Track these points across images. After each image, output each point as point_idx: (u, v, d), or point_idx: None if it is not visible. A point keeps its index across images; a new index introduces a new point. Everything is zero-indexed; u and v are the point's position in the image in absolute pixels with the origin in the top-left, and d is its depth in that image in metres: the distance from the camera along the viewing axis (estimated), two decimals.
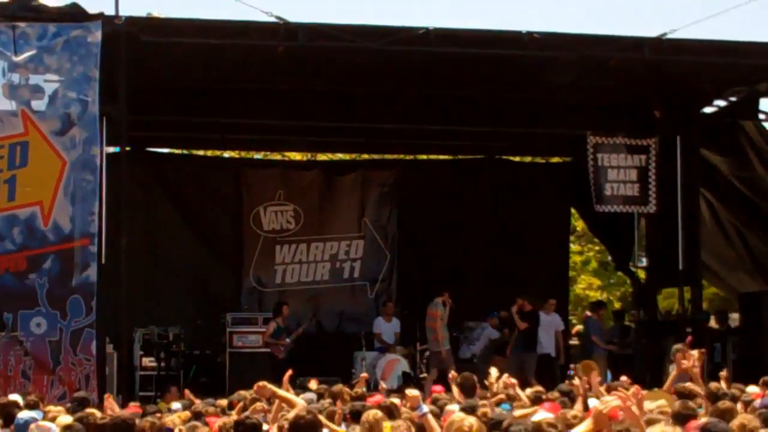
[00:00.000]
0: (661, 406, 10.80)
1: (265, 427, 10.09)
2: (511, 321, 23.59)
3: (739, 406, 11.81)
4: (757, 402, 12.48)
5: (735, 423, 9.16)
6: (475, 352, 24.13)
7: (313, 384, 15.92)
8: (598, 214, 24.42)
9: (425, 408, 10.01)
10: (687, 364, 14.95)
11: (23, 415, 11.46)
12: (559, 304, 26.82)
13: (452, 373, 16.24)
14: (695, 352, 15.84)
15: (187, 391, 16.46)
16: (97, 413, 11.15)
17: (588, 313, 26.51)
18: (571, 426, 8.88)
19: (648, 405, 10.96)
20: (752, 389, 14.51)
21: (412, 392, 10.99)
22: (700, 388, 13.70)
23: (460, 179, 27.88)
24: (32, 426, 10.29)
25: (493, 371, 15.58)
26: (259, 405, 11.22)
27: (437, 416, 10.62)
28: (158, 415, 11.70)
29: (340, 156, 30.44)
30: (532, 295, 25.44)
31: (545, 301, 24.07)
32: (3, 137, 18.25)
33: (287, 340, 22.83)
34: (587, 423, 7.30)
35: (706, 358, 20.12)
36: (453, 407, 12.34)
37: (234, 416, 11.05)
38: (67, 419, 10.90)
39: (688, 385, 13.94)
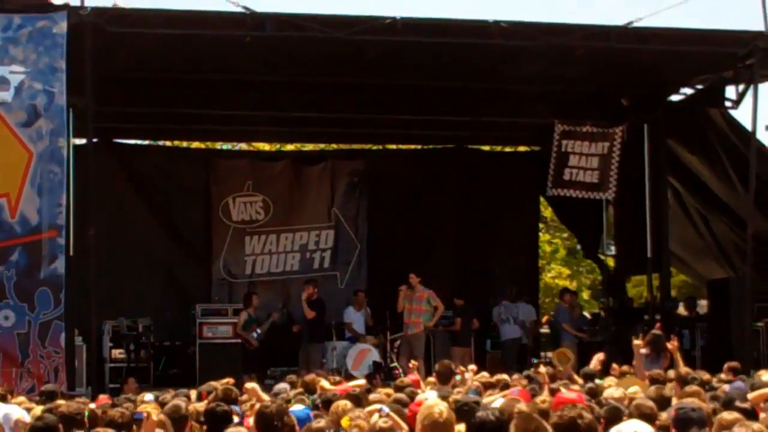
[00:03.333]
0: (634, 393, 10.85)
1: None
2: (463, 310, 23.70)
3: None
4: (726, 387, 12.60)
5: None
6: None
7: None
8: (567, 202, 24.52)
9: (386, 408, 10.04)
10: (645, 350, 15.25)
11: None
12: (529, 293, 27.05)
13: (412, 362, 16.39)
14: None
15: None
16: (64, 404, 11.09)
17: (557, 302, 26.64)
18: (543, 411, 8.95)
19: (614, 392, 11.05)
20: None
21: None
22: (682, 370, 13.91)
23: (429, 168, 27.91)
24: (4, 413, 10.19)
25: (471, 367, 15.78)
26: None
27: (406, 404, 10.63)
28: (126, 405, 11.63)
29: (308, 146, 30.42)
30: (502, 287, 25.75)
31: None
32: None
33: (258, 330, 22.81)
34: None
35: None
36: (423, 396, 12.39)
37: (203, 405, 11.02)
38: (38, 411, 10.84)
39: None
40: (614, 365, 16.52)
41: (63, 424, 8.87)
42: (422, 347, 22.38)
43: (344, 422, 8.07)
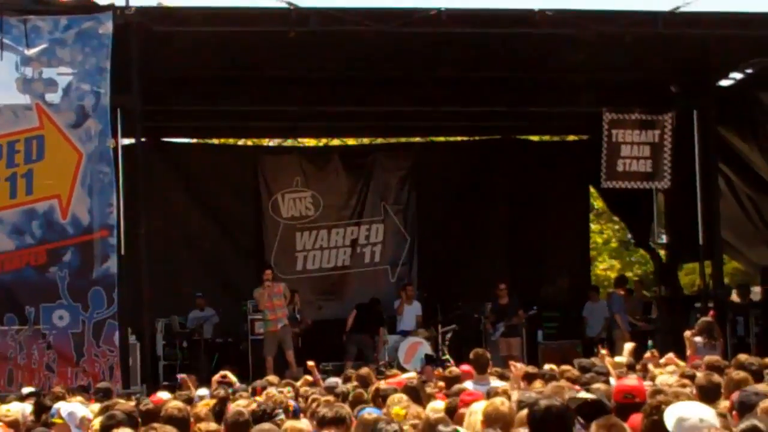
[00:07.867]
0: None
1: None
2: (514, 302, 23.61)
3: None
4: None
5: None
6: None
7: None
8: (617, 192, 24.36)
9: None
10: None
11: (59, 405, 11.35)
12: (581, 285, 26.87)
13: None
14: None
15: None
16: (123, 402, 11.14)
17: (611, 290, 26.44)
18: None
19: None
20: None
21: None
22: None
23: (477, 160, 27.80)
24: (62, 409, 10.19)
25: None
26: None
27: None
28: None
29: (352, 141, 30.46)
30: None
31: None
32: (19, 131, 18.31)
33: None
34: None
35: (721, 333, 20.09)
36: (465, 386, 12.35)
37: (253, 402, 11.02)
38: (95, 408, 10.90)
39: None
40: (656, 353, 16.34)
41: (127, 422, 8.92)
42: (291, 340, 22.17)
43: (397, 412, 8.11)
